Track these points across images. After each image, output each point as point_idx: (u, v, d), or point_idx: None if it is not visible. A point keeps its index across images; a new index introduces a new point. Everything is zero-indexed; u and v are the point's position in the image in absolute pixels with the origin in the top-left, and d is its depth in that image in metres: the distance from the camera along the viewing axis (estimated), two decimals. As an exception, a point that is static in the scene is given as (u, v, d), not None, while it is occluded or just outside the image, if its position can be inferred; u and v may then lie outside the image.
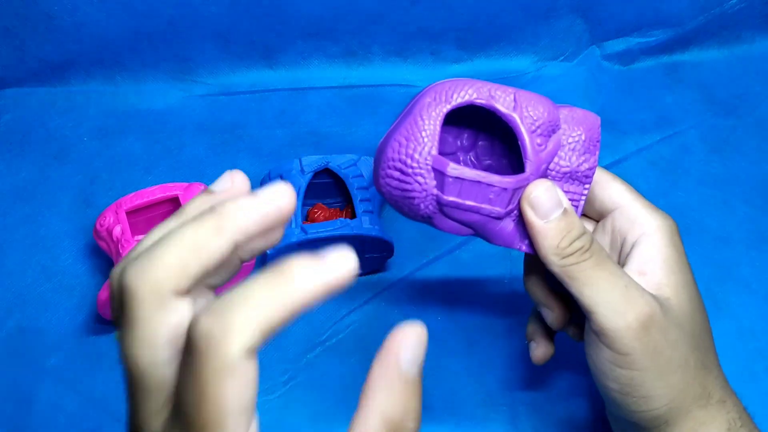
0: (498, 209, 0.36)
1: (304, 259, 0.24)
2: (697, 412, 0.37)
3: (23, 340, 0.55)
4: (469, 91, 0.36)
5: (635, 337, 0.35)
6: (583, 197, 0.38)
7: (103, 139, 0.66)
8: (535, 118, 0.36)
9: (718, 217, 0.60)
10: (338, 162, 0.56)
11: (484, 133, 0.41)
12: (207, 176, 0.63)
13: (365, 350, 0.51)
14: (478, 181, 0.35)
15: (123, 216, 0.53)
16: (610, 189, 0.40)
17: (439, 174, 0.35)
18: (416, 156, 0.35)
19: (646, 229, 0.38)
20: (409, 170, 0.36)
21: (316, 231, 0.52)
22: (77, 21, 0.64)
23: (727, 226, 0.60)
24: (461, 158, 0.41)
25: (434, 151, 0.35)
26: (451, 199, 0.36)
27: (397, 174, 0.36)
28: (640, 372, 0.36)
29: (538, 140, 0.37)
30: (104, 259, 0.58)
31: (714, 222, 0.60)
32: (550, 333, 0.45)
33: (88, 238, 0.59)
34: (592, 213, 0.41)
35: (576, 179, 0.37)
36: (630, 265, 0.38)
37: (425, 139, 0.36)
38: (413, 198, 0.36)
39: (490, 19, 0.67)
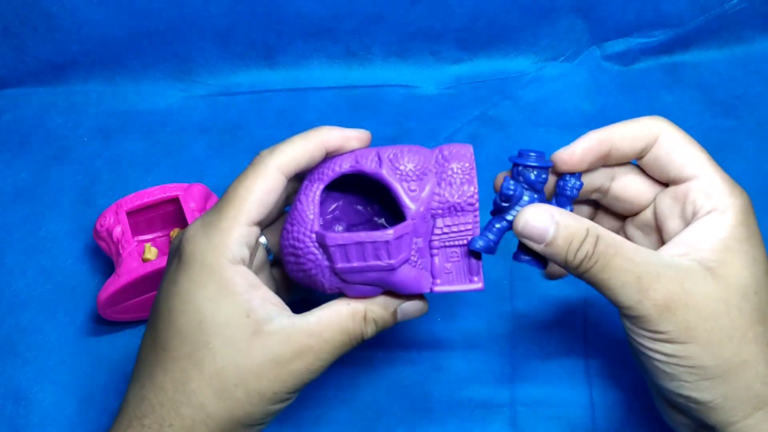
0: (390, 261, 0.37)
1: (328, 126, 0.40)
2: (760, 389, 0.37)
3: (23, 341, 0.55)
4: (339, 164, 0.39)
5: (662, 319, 0.36)
6: (476, 224, 0.39)
7: (103, 139, 0.66)
8: (401, 168, 0.38)
9: (718, 218, 0.60)
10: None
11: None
12: (207, 176, 0.63)
13: (365, 350, 0.51)
14: (360, 242, 0.37)
15: (123, 216, 0.53)
16: (688, 156, 0.39)
17: (325, 247, 0.37)
18: (301, 237, 0.38)
19: (718, 205, 0.38)
20: (300, 252, 0.38)
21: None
22: (77, 21, 0.64)
23: (727, 226, 0.59)
24: (378, 223, 0.44)
25: (316, 227, 0.38)
26: (342, 266, 0.37)
27: (293, 258, 0.39)
28: (683, 345, 0.36)
29: (412, 186, 0.38)
30: (104, 259, 0.58)
31: (714, 222, 0.60)
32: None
33: (88, 239, 0.59)
34: (663, 176, 0.40)
35: (461, 210, 0.39)
36: (680, 238, 0.38)
37: (306, 220, 0.38)
38: (314, 275, 0.39)
39: (490, 19, 0.67)
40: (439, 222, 0.39)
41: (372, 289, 0.39)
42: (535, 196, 0.39)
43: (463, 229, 0.39)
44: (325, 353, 0.38)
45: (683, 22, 0.68)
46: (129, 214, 0.54)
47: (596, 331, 0.54)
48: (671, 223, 0.40)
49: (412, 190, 0.38)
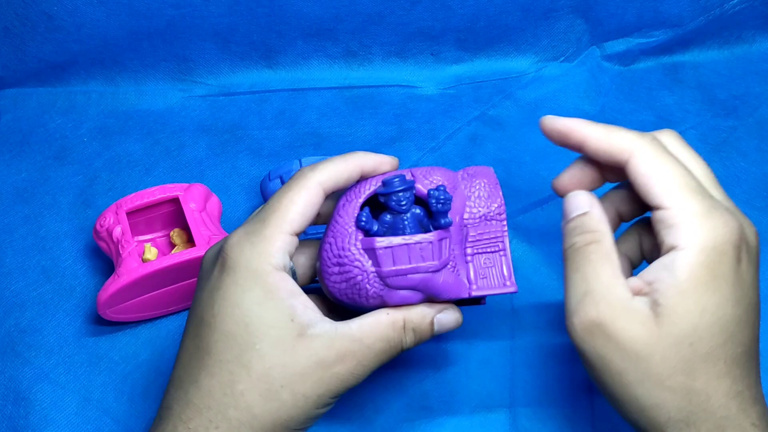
0: (433, 263, 0.40)
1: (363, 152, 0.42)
2: (680, 426, 0.36)
3: (22, 341, 0.55)
4: (375, 183, 0.42)
5: (580, 339, 0.38)
6: (505, 232, 0.43)
7: (103, 139, 0.66)
8: (433, 183, 0.42)
9: (718, 218, 0.60)
10: (338, 162, 0.57)
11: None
12: (207, 177, 0.63)
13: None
14: (406, 244, 0.39)
15: (123, 217, 0.53)
16: (659, 182, 0.37)
17: (371, 251, 0.40)
18: (346, 246, 0.40)
19: (680, 242, 0.36)
20: (346, 260, 0.40)
21: (316, 231, 0.53)
22: (77, 21, 0.64)
23: (727, 226, 0.59)
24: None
25: (360, 237, 0.40)
26: (389, 269, 0.39)
27: (337, 269, 0.41)
28: (599, 374, 0.38)
29: None
30: (104, 260, 0.58)
31: (714, 222, 0.60)
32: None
33: (88, 239, 0.59)
34: (643, 199, 0.39)
35: (492, 219, 0.43)
36: (645, 273, 0.38)
37: (348, 231, 0.40)
38: (358, 283, 0.40)
39: (490, 19, 0.67)
40: (472, 231, 0.42)
41: (413, 295, 0.40)
42: (406, 219, 0.41)
43: (493, 237, 0.43)
44: (367, 359, 0.39)
45: (683, 22, 0.68)
46: (129, 214, 0.54)
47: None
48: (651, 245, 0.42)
49: None
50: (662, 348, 0.36)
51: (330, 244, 0.41)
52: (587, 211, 0.40)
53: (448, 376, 0.52)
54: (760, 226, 0.61)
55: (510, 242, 0.44)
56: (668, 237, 0.37)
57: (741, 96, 0.67)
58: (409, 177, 0.42)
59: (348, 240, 0.40)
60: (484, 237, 0.42)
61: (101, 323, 0.55)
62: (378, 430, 0.50)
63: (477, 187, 0.43)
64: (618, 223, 0.44)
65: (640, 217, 0.44)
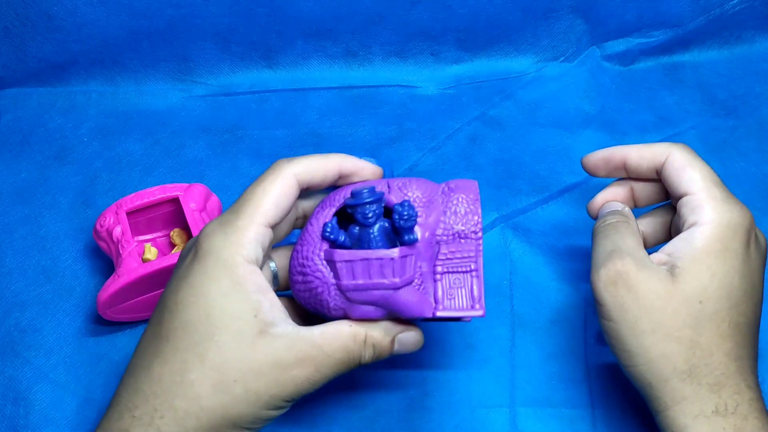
0: (395, 280, 0.38)
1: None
2: (676, 384, 0.40)
3: (22, 341, 0.55)
4: (350, 191, 0.40)
5: (603, 288, 0.42)
6: (479, 252, 0.40)
7: (103, 139, 0.66)
8: (408, 195, 0.40)
9: (719, 218, 0.60)
10: (338, 162, 0.57)
11: None
12: (207, 177, 0.63)
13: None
14: (367, 258, 0.38)
15: (123, 217, 0.53)
16: (687, 175, 0.43)
17: (332, 263, 0.39)
18: (310, 255, 0.39)
19: (699, 219, 0.41)
20: (308, 270, 0.39)
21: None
22: (77, 21, 0.64)
23: (727, 226, 0.59)
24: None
25: (325, 246, 0.39)
26: (348, 283, 0.38)
27: (300, 278, 0.40)
28: (614, 324, 0.41)
29: (419, 212, 0.40)
30: (104, 260, 0.58)
31: (714, 222, 0.60)
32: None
33: (88, 239, 0.59)
34: (672, 192, 0.45)
35: (465, 238, 0.40)
36: (666, 247, 0.43)
37: (315, 240, 0.39)
38: (320, 294, 0.39)
39: (490, 19, 0.67)
40: (444, 249, 0.40)
41: (375, 311, 0.39)
42: (374, 232, 0.39)
43: (466, 255, 0.40)
44: (326, 367, 0.39)
45: (683, 22, 0.68)
46: (129, 214, 0.54)
47: (596, 331, 0.54)
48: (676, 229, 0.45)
49: (419, 216, 0.40)
50: (675, 303, 0.40)
51: (297, 251, 0.40)
52: (622, 208, 0.47)
53: (448, 376, 0.52)
54: (760, 226, 0.61)
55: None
56: (691, 216, 0.42)
57: (741, 96, 0.67)
58: (382, 189, 0.40)
59: (313, 249, 0.39)
60: (457, 255, 0.40)
61: (101, 323, 0.55)
62: (379, 431, 0.50)
63: (455, 202, 0.40)
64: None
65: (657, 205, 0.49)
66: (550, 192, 0.61)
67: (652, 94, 0.68)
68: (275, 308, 0.39)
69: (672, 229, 0.46)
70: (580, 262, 0.57)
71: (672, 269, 0.41)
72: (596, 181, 0.62)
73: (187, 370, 0.37)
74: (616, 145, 0.64)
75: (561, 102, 0.67)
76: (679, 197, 0.43)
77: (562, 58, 0.69)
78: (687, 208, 0.43)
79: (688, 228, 0.42)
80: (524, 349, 0.53)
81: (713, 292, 0.40)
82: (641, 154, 0.45)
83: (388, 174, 0.59)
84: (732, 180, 0.62)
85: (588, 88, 0.68)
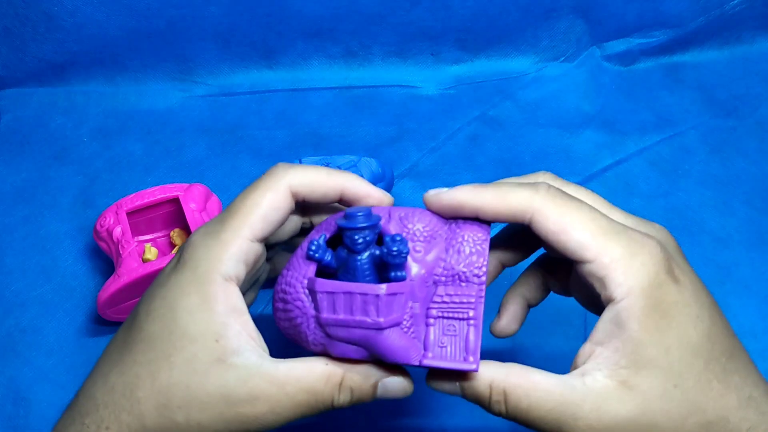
0: (378, 320, 0.34)
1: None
2: None
3: (22, 341, 0.55)
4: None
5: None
6: (480, 299, 0.35)
7: (103, 139, 0.66)
8: (408, 226, 0.36)
9: (718, 218, 0.60)
10: (338, 163, 0.57)
11: None
12: (207, 177, 0.63)
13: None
14: (350, 292, 0.34)
15: (123, 217, 0.53)
16: (567, 243, 0.34)
17: (314, 293, 0.35)
18: (293, 281, 0.35)
19: (614, 294, 0.34)
20: (288, 297, 0.36)
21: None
22: (77, 21, 0.64)
23: (727, 227, 0.60)
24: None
25: (310, 273, 0.35)
26: (328, 316, 0.34)
27: (281, 305, 0.36)
28: None
29: (417, 246, 0.36)
30: (104, 260, 0.58)
31: (714, 223, 0.60)
32: (524, 308, 0.43)
33: (88, 239, 0.59)
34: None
35: (466, 281, 0.35)
36: (593, 336, 0.35)
37: (302, 265, 0.36)
38: (299, 325, 0.36)
39: (490, 19, 0.67)
40: (441, 290, 0.36)
41: (356, 351, 0.35)
42: (364, 259, 0.35)
43: (465, 301, 0.35)
44: (282, 408, 0.34)
45: (683, 22, 0.68)
46: (129, 214, 0.54)
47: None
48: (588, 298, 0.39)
49: (416, 251, 0.36)
50: (652, 410, 0.33)
51: (282, 276, 0.36)
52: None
53: (448, 376, 0.52)
54: (760, 226, 0.61)
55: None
56: (603, 289, 0.34)
57: (741, 96, 0.67)
58: (381, 214, 0.36)
59: (297, 275, 0.36)
60: (454, 299, 0.35)
61: (101, 323, 0.55)
62: (379, 430, 0.50)
63: (460, 239, 0.36)
64: (501, 270, 0.43)
65: (538, 254, 0.43)
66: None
67: (652, 94, 0.68)
68: (243, 334, 0.34)
69: (571, 282, 0.40)
70: (580, 262, 0.57)
71: (616, 377, 0.34)
72: (596, 181, 0.62)
73: (137, 386, 0.35)
74: (616, 144, 0.64)
75: (561, 102, 0.67)
76: (575, 262, 0.35)
77: (562, 59, 0.69)
78: (592, 278, 0.34)
79: (607, 304, 0.34)
80: (524, 350, 0.53)
81: (679, 365, 0.33)
82: (497, 212, 0.36)
83: (388, 174, 0.59)
84: (732, 181, 0.62)
85: (588, 89, 0.68)
